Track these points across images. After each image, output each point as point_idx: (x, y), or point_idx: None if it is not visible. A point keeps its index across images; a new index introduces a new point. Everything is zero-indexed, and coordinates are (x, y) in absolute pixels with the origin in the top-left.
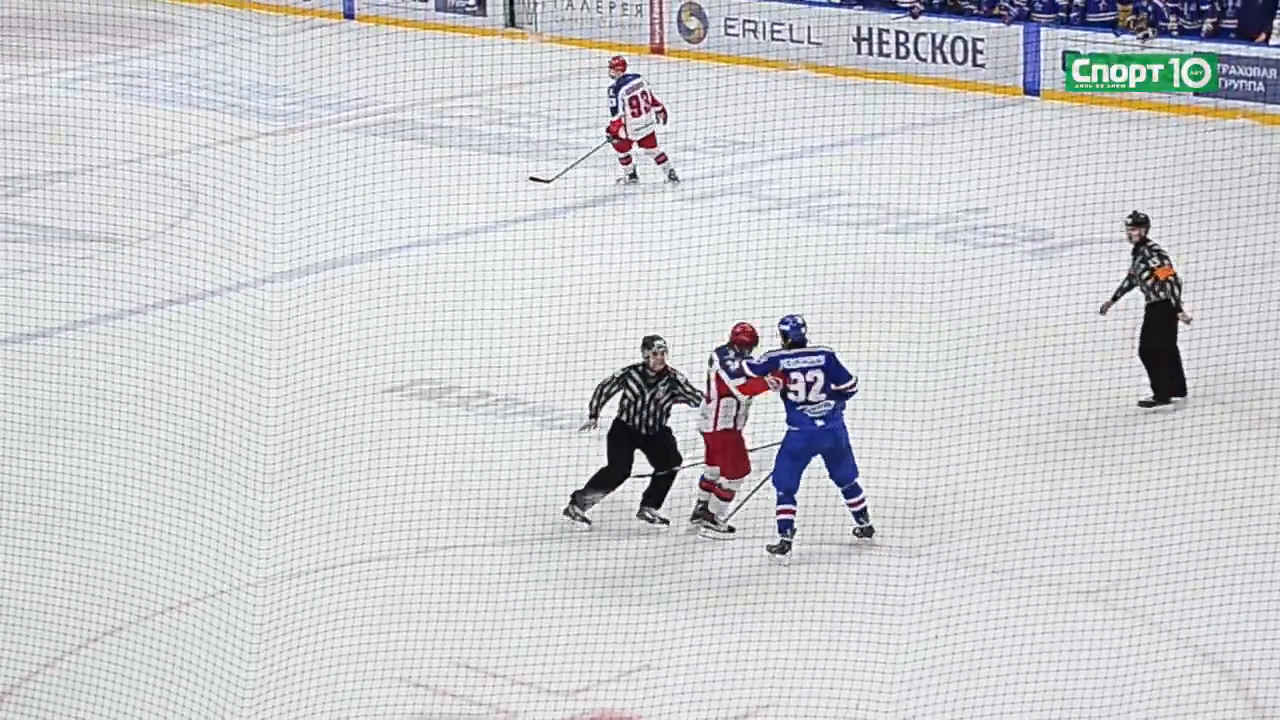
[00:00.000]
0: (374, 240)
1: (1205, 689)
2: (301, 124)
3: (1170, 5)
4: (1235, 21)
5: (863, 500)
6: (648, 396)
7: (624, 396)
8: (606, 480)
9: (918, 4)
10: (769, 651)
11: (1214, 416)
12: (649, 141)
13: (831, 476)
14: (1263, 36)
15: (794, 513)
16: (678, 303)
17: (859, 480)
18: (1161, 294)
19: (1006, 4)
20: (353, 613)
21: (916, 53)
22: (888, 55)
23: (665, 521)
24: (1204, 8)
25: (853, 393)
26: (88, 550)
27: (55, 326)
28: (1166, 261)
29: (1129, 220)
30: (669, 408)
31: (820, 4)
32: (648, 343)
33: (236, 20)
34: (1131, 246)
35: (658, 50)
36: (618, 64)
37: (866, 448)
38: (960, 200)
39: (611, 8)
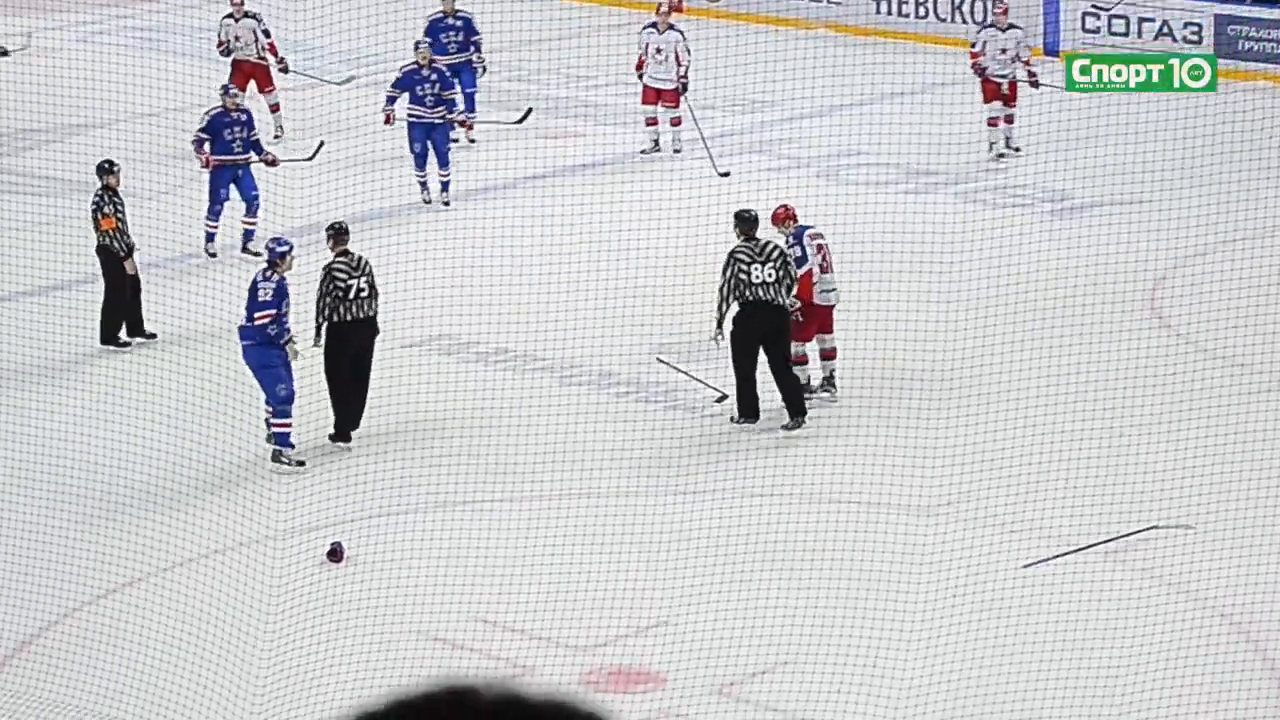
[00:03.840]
0: (391, 197)
1: (1223, 650)
2: (319, 79)
3: None
4: None
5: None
6: (761, 264)
7: (737, 280)
8: (753, 379)
9: None
10: (787, 608)
11: (1230, 375)
12: (670, 98)
13: None
14: None
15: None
16: (695, 261)
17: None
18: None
19: None
20: (372, 567)
21: (936, 13)
22: (907, 15)
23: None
24: None
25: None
26: (111, 499)
27: (75, 279)
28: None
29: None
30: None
31: None
32: (751, 219)
33: None
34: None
35: (676, 9)
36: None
37: (885, 406)
38: (979, 161)
39: None
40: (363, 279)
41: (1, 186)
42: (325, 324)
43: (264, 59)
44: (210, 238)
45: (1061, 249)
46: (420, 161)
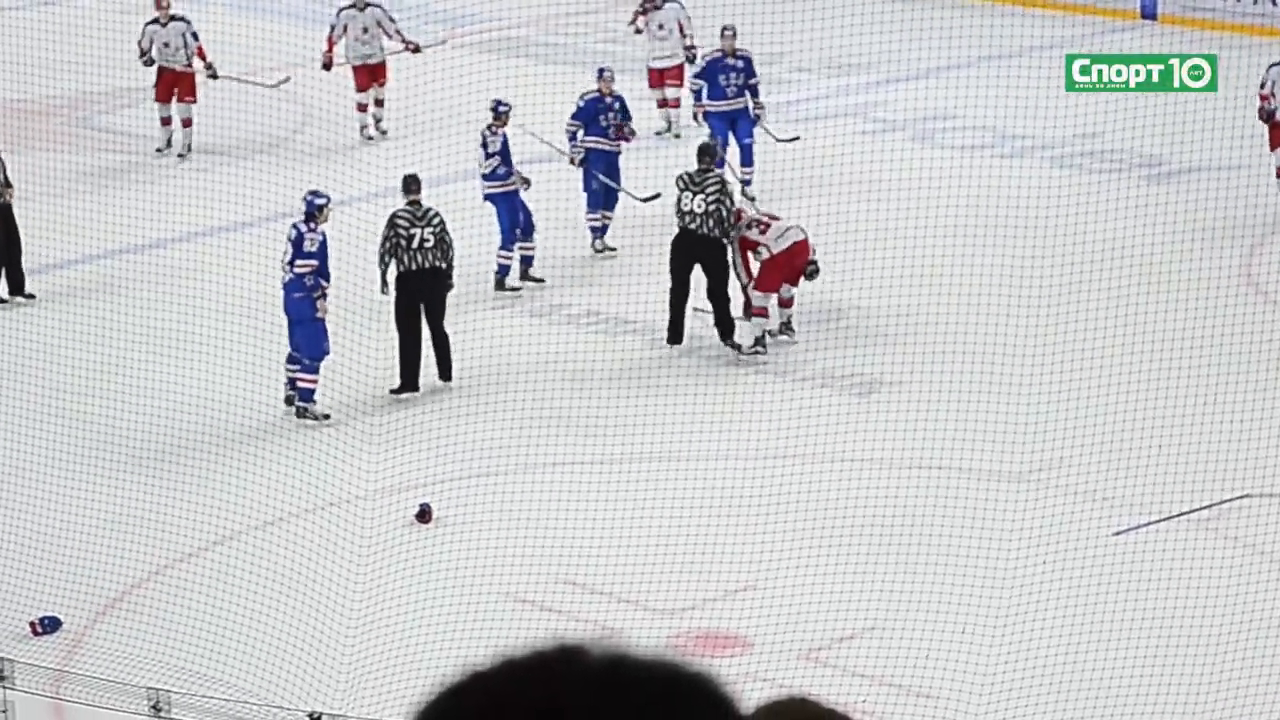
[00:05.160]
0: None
1: None
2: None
3: None
4: None
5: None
6: (694, 194)
7: (677, 198)
8: (677, 303)
9: None
10: (874, 573)
11: None
12: (674, 74)
13: None
14: None
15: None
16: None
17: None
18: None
19: None
20: (460, 527)
21: None
22: None
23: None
24: None
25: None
26: (200, 461)
27: (169, 238)
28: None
29: None
30: (717, 215)
31: None
32: (705, 150)
33: None
34: None
35: None
36: None
37: (974, 372)
38: (1073, 125)
39: None
40: (427, 229)
41: (96, 144)
42: (391, 272)
43: (190, 66)
44: (509, 270)
45: (1155, 215)
46: (595, 201)
